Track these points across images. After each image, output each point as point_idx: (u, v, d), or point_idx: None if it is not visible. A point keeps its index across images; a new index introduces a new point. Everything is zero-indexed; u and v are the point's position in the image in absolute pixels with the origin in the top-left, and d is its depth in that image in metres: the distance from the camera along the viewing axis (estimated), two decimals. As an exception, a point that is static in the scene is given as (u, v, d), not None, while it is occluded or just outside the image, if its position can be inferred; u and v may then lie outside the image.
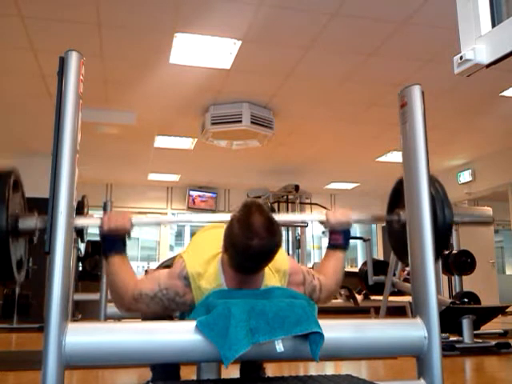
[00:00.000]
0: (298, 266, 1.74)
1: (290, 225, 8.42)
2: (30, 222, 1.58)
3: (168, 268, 1.72)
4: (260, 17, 3.85)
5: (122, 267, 1.63)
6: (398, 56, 4.53)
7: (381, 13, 3.81)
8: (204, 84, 5.12)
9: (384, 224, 10.51)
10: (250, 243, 1.43)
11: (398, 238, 1.89)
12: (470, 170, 8.30)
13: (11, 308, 6.08)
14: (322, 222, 1.84)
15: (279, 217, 1.67)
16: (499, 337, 4.54)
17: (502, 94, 5.38)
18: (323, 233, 1.87)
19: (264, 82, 5.13)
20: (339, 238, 1.82)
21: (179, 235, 11.24)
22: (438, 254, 1.71)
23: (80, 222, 1.58)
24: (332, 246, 1.83)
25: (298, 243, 8.74)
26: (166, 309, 1.62)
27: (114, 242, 1.65)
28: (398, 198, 1.93)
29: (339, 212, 1.82)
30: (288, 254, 1.81)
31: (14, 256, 1.56)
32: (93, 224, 1.70)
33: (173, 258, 1.93)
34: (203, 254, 1.63)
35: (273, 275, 1.63)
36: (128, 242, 1.70)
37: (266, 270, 1.58)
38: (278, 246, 1.50)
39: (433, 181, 1.81)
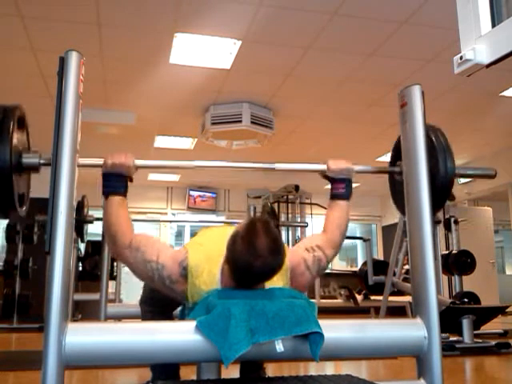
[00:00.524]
0: (297, 255, 1.69)
1: (289, 225, 8.44)
2: (34, 159, 1.58)
3: None
4: (260, 17, 3.85)
5: (121, 209, 1.63)
6: (398, 56, 4.53)
7: (381, 13, 3.81)
8: (204, 84, 5.12)
9: (384, 225, 10.54)
10: (252, 263, 1.42)
11: (399, 189, 1.85)
12: (470, 170, 8.29)
13: (11, 308, 6.09)
14: (322, 172, 1.81)
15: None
16: (499, 337, 4.54)
17: (502, 94, 5.38)
18: (324, 177, 1.83)
19: (264, 82, 5.13)
20: (341, 186, 1.80)
21: (179, 235, 11.24)
22: (439, 206, 1.69)
23: (83, 161, 1.58)
24: (335, 196, 1.81)
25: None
26: (152, 281, 1.60)
27: (115, 181, 1.65)
28: (400, 151, 1.90)
29: (340, 159, 1.80)
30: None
31: (17, 190, 1.55)
32: (96, 163, 1.69)
33: None
34: (206, 252, 1.62)
35: (275, 277, 1.62)
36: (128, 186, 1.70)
37: None
38: (280, 266, 1.49)
39: (435, 130, 1.81)
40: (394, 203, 1.98)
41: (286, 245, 1.70)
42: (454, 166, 1.77)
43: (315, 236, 1.82)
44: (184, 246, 1.69)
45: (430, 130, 1.81)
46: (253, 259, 1.42)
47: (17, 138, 1.56)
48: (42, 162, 1.58)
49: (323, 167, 1.80)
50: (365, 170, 1.91)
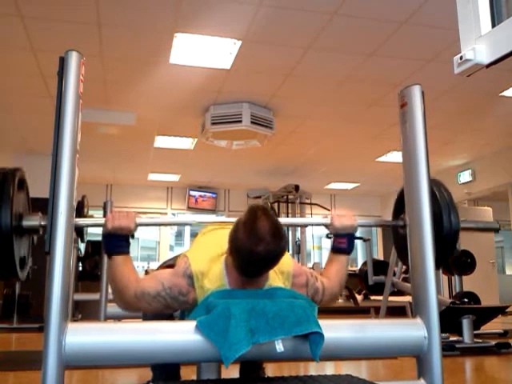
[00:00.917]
0: (302, 268, 1.74)
1: (290, 225, 8.44)
2: (34, 221, 1.58)
3: (170, 267, 1.71)
4: (260, 17, 3.85)
5: (125, 267, 1.63)
6: (398, 56, 4.53)
7: (381, 13, 3.81)
8: (204, 84, 5.12)
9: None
10: (256, 249, 1.42)
11: (403, 242, 1.88)
12: (470, 170, 8.30)
13: (11, 308, 6.08)
14: (326, 226, 1.82)
15: (283, 220, 1.66)
16: (499, 337, 4.54)
17: (502, 94, 5.38)
18: (327, 236, 1.86)
19: (264, 82, 5.13)
20: (343, 241, 1.81)
21: (179, 235, 11.24)
22: (444, 259, 1.71)
23: (83, 221, 1.58)
24: (336, 250, 1.83)
25: (299, 248, 8.73)
26: (169, 307, 1.62)
27: (117, 241, 1.64)
28: (403, 203, 1.92)
29: (344, 216, 1.81)
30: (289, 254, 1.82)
31: (18, 254, 1.57)
32: (96, 224, 1.69)
33: (175, 258, 1.92)
34: (207, 254, 1.63)
35: (277, 276, 1.63)
36: (130, 242, 1.69)
37: (271, 271, 1.58)
38: (283, 251, 1.50)
39: (438, 185, 1.81)
40: (398, 256, 2.01)
41: (288, 255, 1.71)
42: (459, 221, 1.79)
43: (319, 273, 1.84)
44: (184, 254, 1.68)
45: (433, 184, 1.81)
46: (256, 244, 1.42)
47: (17, 200, 1.57)
48: (42, 223, 1.57)
49: (327, 221, 1.81)
50: (368, 224, 1.94)
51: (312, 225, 1.93)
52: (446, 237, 1.75)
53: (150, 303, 1.58)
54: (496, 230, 2.03)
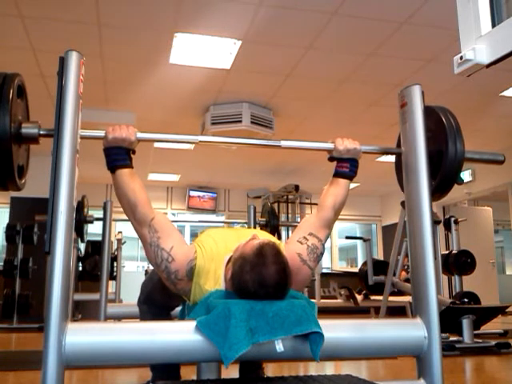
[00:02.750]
0: (289, 252, 1.63)
1: (289, 225, 8.43)
2: (33, 129, 1.54)
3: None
4: (260, 17, 3.86)
5: (134, 179, 1.59)
6: (398, 56, 4.53)
7: (381, 13, 3.81)
8: (204, 84, 5.12)
9: (384, 225, 10.54)
10: (258, 293, 1.43)
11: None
12: (470, 170, 8.30)
13: (11, 308, 6.09)
14: (329, 151, 1.79)
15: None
16: (499, 337, 4.54)
17: (502, 94, 5.39)
18: (329, 159, 1.82)
19: (264, 82, 5.13)
20: (345, 166, 1.79)
21: (179, 235, 11.23)
22: (447, 188, 1.68)
23: (84, 133, 1.57)
24: (337, 174, 1.80)
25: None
26: (158, 268, 1.57)
27: (120, 154, 1.62)
28: None
29: (347, 139, 1.77)
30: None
31: (16, 162, 1.51)
32: (97, 135, 1.67)
33: None
34: (213, 252, 1.59)
35: None
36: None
37: None
38: (284, 295, 1.48)
39: (444, 111, 1.79)
40: (400, 186, 1.96)
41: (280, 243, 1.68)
42: (464, 149, 1.73)
43: (306, 221, 1.79)
44: (193, 243, 1.65)
45: (439, 111, 1.79)
46: (258, 291, 1.42)
47: (16, 107, 1.51)
48: (41, 132, 1.54)
49: (330, 146, 1.78)
50: (371, 151, 1.87)
51: (315, 149, 1.88)
52: (450, 164, 1.71)
53: (152, 246, 1.54)
54: (500, 162, 1.94)
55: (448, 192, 1.78)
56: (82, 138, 1.53)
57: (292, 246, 1.66)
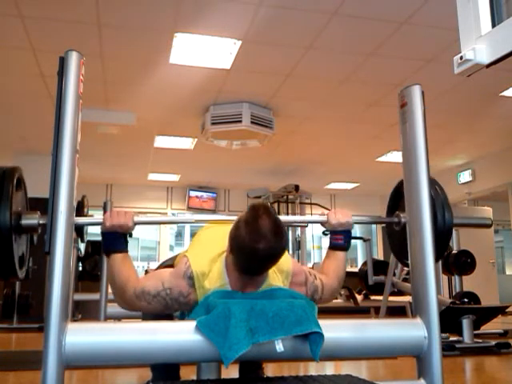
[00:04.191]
0: (300, 267, 1.74)
1: (289, 225, 8.44)
2: (33, 220, 1.58)
3: (169, 267, 1.71)
4: (260, 17, 3.86)
5: (123, 265, 1.63)
6: (398, 56, 4.53)
7: (381, 13, 3.81)
8: (204, 84, 5.12)
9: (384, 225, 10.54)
10: (257, 246, 1.42)
11: (397, 239, 1.89)
12: (470, 170, 8.31)
13: (11, 308, 6.08)
14: (322, 223, 1.84)
15: (281, 218, 1.67)
16: (499, 337, 4.54)
17: (502, 94, 5.39)
18: (324, 233, 1.87)
19: (264, 82, 5.13)
20: (340, 238, 1.82)
21: (179, 235, 11.24)
22: (438, 256, 1.71)
23: (81, 220, 1.58)
24: (333, 247, 1.83)
25: (299, 245, 8.74)
26: (168, 308, 1.61)
27: (115, 240, 1.64)
28: (397, 200, 1.94)
29: (340, 212, 1.82)
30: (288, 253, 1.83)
31: (17, 252, 1.57)
32: (94, 223, 1.69)
33: (173, 258, 1.92)
34: (207, 253, 1.62)
35: (276, 275, 1.62)
36: (128, 242, 1.69)
37: (270, 270, 1.58)
38: (283, 249, 1.50)
39: (432, 183, 1.81)
40: (393, 253, 2.02)
41: (288, 254, 1.71)
42: (452, 218, 1.81)
43: (317, 271, 1.84)
44: (183, 254, 1.68)
45: None
46: (257, 242, 1.42)
47: (16, 199, 1.57)
48: (41, 222, 1.57)
49: (323, 219, 1.81)
50: (363, 221, 1.95)
51: (309, 222, 1.92)
52: (440, 233, 1.76)
53: (150, 302, 1.58)
54: (488, 226, 2.02)
55: (441, 256, 1.84)
56: (79, 225, 1.58)
57: (303, 267, 1.76)
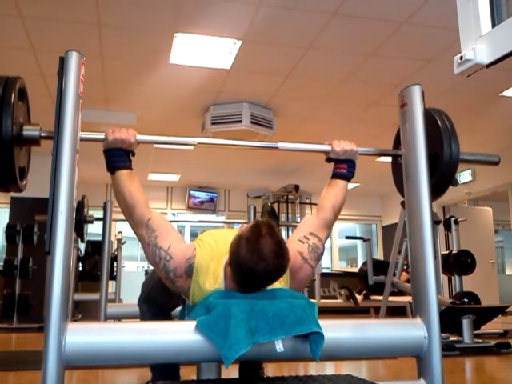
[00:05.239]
0: (291, 250, 1.60)
1: (289, 225, 8.44)
2: (34, 131, 1.55)
3: None
4: (260, 17, 3.85)
5: (131, 182, 1.61)
6: (398, 56, 4.53)
7: (381, 13, 3.81)
8: (204, 84, 5.12)
9: (384, 225, 10.54)
10: (256, 268, 1.41)
11: (400, 174, 1.84)
12: (470, 170, 8.30)
13: (11, 308, 6.08)
14: (326, 153, 1.80)
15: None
16: (499, 337, 4.54)
17: (502, 94, 5.39)
18: (327, 160, 1.83)
19: (264, 82, 5.13)
20: (343, 167, 1.80)
21: (179, 235, 11.22)
22: (443, 189, 1.69)
23: (84, 135, 1.57)
24: (335, 175, 1.82)
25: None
26: (156, 266, 1.58)
27: (119, 156, 1.63)
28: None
29: (344, 141, 1.79)
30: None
31: (18, 163, 1.53)
32: (97, 137, 1.67)
33: None
34: (213, 251, 1.60)
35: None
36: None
37: None
38: (284, 270, 1.48)
39: (440, 113, 1.79)
40: (396, 187, 1.97)
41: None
42: (459, 150, 1.75)
43: (307, 222, 1.81)
44: (192, 242, 1.67)
45: (434, 113, 1.80)
46: (257, 264, 1.40)
47: (18, 109, 1.53)
48: (42, 134, 1.55)
49: (327, 148, 1.79)
50: (368, 152, 1.89)
51: (313, 151, 1.88)
52: (445, 165, 1.72)
53: (150, 245, 1.56)
54: (495, 163, 1.96)
55: (443, 193, 1.80)
56: (82, 140, 1.53)
57: (293, 244, 1.66)
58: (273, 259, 1.41)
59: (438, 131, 1.74)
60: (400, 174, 1.82)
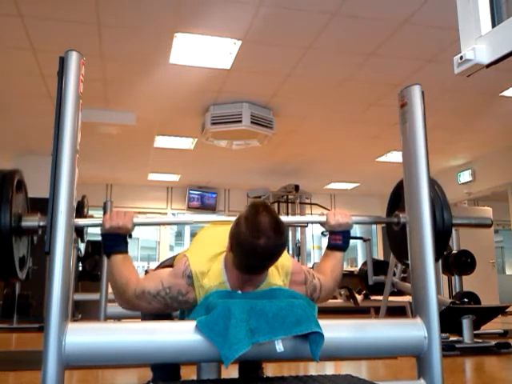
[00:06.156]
0: (300, 266, 1.74)
1: (289, 225, 8.44)
2: (33, 222, 1.59)
3: (168, 267, 1.71)
4: (260, 17, 3.85)
5: (123, 266, 1.63)
6: (398, 56, 4.53)
7: (381, 13, 3.81)
8: (204, 84, 5.12)
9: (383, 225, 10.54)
10: (257, 242, 1.42)
11: (397, 239, 1.89)
12: (470, 170, 8.31)
13: (11, 308, 6.08)
14: (322, 224, 1.84)
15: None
16: (499, 337, 4.54)
17: (502, 94, 5.39)
18: (323, 234, 1.88)
19: (264, 82, 5.13)
20: (338, 238, 1.82)
21: (179, 235, 11.24)
22: (437, 256, 1.71)
23: (81, 222, 1.58)
24: (331, 247, 1.83)
25: (299, 250, 8.73)
26: (168, 307, 1.62)
27: (115, 240, 1.65)
28: (397, 200, 1.94)
29: (339, 213, 1.81)
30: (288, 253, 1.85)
31: (17, 254, 1.58)
32: (94, 224, 1.69)
33: (173, 258, 1.92)
34: (206, 253, 1.63)
35: (276, 273, 1.63)
36: (128, 242, 1.70)
37: (270, 268, 1.59)
38: (284, 245, 1.51)
39: (432, 183, 1.81)
40: (393, 253, 2.02)
41: (287, 253, 1.72)
42: (451, 217, 1.81)
43: (315, 271, 1.84)
44: (183, 254, 1.69)
45: None
46: (257, 238, 1.43)
47: (16, 201, 1.58)
48: (41, 224, 1.58)
49: (322, 220, 1.81)
50: (362, 222, 1.94)
51: (308, 223, 1.93)
52: (439, 233, 1.76)
53: (150, 302, 1.59)
54: (488, 226, 2.02)
55: (441, 256, 1.84)
56: (80, 227, 1.58)
57: (302, 266, 1.76)
58: (272, 233, 1.44)
59: (431, 202, 1.76)
60: (396, 240, 1.88)
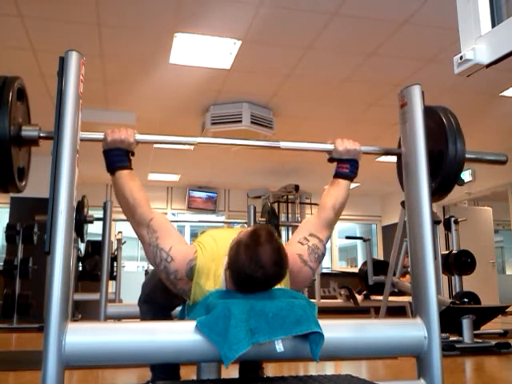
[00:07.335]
0: (290, 253, 1.60)
1: (289, 225, 8.43)
2: (33, 132, 1.54)
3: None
4: (260, 17, 3.85)
5: (132, 182, 1.60)
6: (398, 56, 4.53)
7: (381, 13, 3.81)
8: (204, 84, 5.12)
9: (384, 225, 10.54)
10: (254, 275, 1.41)
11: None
12: (470, 170, 8.31)
13: (11, 308, 6.09)
14: (329, 152, 1.79)
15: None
16: (499, 337, 4.54)
17: (502, 94, 5.39)
18: (329, 160, 1.82)
19: (264, 82, 5.13)
20: (346, 167, 1.78)
21: (179, 235, 11.21)
22: (448, 189, 1.66)
23: (84, 135, 1.56)
24: (337, 175, 1.80)
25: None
26: (157, 267, 1.58)
27: (118, 155, 1.62)
28: None
29: (347, 140, 1.77)
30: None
31: (16, 164, 1.52)
32: (96, 137, 1.67)
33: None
34: (214, 252, 1.59)
35: None
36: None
37: None
38: (282, 276, 1.48)
39: (445, 110, 1.78)
40: (401, 185, 1.95)
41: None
42: (465, 149, 1.71)
43: (307, 222, 1.79)
44: (194, 243, 1.66)
45: (439, 110, 1.78)
46: (255, 271, 1.40)
47: (16, 109, 1.52)
48: (41, 134, 1.54)
49: (330, 147, 1.77)
50: (372, 151, 1.86)
51: (315, 150, 1.87)
52: (450, 164, 1.68)
53: (151, 246, 1.56)
54: (503, 162, 1.91)
55: (449, 193, 1.77)
56: (82, 140, 1.53)
57: (292, 247, 1.65)
58: (271, 267, 1.41)
59: (443, 129, 1.71)
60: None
